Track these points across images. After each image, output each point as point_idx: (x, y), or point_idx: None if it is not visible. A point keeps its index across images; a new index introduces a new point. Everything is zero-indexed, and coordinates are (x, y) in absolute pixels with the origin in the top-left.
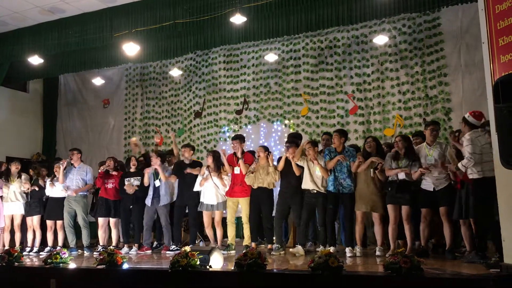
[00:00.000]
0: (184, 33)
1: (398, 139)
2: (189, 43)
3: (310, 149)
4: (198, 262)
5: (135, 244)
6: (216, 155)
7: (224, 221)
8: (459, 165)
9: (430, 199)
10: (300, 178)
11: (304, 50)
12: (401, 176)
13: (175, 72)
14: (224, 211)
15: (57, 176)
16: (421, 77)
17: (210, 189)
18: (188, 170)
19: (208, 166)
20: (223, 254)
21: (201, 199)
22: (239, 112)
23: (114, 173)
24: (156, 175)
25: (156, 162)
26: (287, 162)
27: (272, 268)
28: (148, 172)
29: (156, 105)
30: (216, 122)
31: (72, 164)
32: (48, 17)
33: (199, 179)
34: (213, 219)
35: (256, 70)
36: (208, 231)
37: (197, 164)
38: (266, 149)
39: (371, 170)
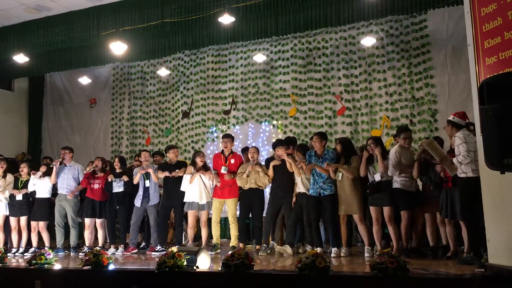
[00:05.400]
0: (172, 33)
1: (370, 142)
2: (177, 42)
3: (298, 155)
4: (185, 263)
5: (121, 245)
6: (204, 156)
7: (209, 221)
8: (455, 160)
9: (412, 200)
10: (292, 178)
11: (292, 51)
12: (377, 177)
13: (163, 72)
14: (209, 211)
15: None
16: (408, 79)
17: (198, 189)
18: (174, 173)
19: (194, 164)
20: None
21: (188, 199)
22: (227, 112)
23: (100, 174)
24: (146, 175)
25: (148, 163)
26: (282, 162)
27: (259, 269)
28: (141, 173)
29: (143, 105)
30: (204, 122)
31: (63, 162)
32: (34, 15)
33: (186, 178)
34: (198, 219)
35: (244, 70)
36: (190, 231)
37: (182, 164)
38: (258, 151)
39: (339, 174)
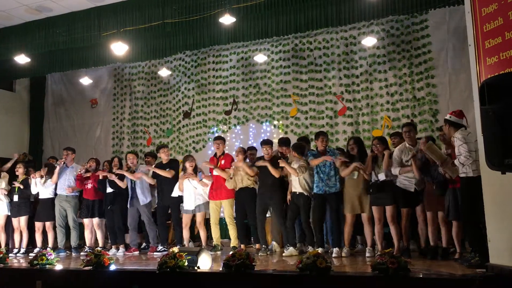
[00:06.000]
0: (173, 33)
1: (376, 142)
2: (178, 43)
3: (294, 154)
4: (186, 263)
5: (122, 245)
6: (194, 160)
7: (207, 222)
8: (456, 161)
9: (411, 199)
10: (277, 178)
11: (293, 51)
12: (381, 177)
13: (164, 72)
14: (207, 212)
15: (43, 175)
16: (409, 79)
17: (189, 194)
18: (156, 170)
19: (185, 169)
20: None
21: (181, 203)
22: (228, 112)
23: (88, 174)
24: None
25: (134, 165)
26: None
27: (260, 269)
28: (112, 177)
29: (144, 105)
30: (205, 123)
31: (65, 163)
32: (35, 16)
33: (177, 185)
34: (195, 220)
35: (245, 70)
36: (185, 232)
37: (173, 162)
38: (245, 151)
39: (355, 173)
